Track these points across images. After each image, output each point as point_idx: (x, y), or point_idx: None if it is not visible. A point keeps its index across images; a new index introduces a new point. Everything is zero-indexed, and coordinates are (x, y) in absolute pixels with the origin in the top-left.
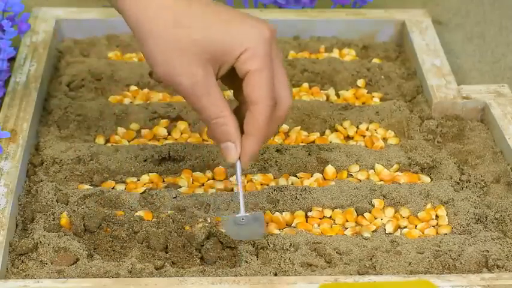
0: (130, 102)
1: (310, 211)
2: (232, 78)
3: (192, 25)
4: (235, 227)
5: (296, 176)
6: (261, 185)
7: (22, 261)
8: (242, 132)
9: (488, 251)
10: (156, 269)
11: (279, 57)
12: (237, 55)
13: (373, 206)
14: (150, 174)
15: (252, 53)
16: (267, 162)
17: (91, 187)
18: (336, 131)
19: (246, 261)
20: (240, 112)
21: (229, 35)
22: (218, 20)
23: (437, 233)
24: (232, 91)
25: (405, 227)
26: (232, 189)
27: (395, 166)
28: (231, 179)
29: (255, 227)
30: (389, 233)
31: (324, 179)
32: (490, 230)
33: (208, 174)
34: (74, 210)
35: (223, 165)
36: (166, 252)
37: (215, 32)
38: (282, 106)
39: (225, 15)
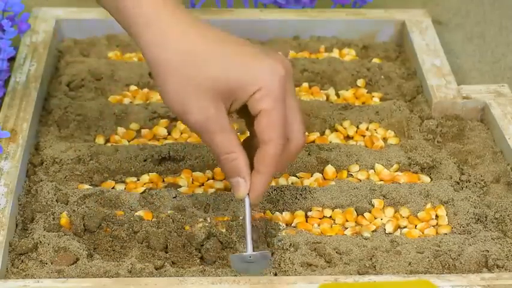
0: (130, 102)
1: (310, 211)
2: (244, 110)
3: (207, 64)
4: (243, 264)
5: (296, 176)
6: None
7: (22, 261)
8: (252, 166)
9: (488, 251)
10: (156, 269)
11: (293, 94)
12: (250, 93)
13: (373, 205)
14: (150, 174)
15: (266, 92)
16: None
17: (91, 187)
18: (336, 130)
19: None
20: (250, 143)
21: (243, 72)
22: (233, 58)
23: (437, 232)
24: (245, 121)
25: (405, 227)
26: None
27: (395, 166)
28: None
29: (263, 264)
30: (389, 233)
31: (324, 178)
32: (490, 229)
33: (208, 174)
34: (74, 210)
35: None
36: (166, 252)
37: (230, 69)
38: (293, 144)
39: (240, 52)
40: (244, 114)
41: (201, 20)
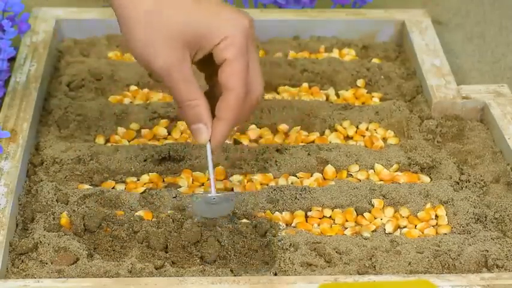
0: (130, 102)
1: (310, 211)
2: (205, 63)
3: (173, 10)
4: (206, 206)
5: (296, 176)
6: (261, 184)
7: (22, 261)
8: (213, 115)
9: (487, 251)
10: (156, 269)
11: (255, 47)
12: (215, 42)
13: (372, 205)
14: (150, 174)
15: (231, 41)
16: (267, 162)
17: (91, 187)
18: (336, 131)
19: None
20: (209, 96)
21: (209, 22)
22: (200, 7)
23: (436, 232)
24: (204, 74)
25: (405, 227)
26: (232, 189)
27: (395, 166)
28: (231, 178)
29: (226, 207)
30: (389, 233)
31: (324, 178)
32: (490, 229)
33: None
34: (74, 210)
35: (223, 165)
36: (166, 252)
37: (196, 18)
38: (253, 95)
39: (207, 3)
40: (204, 66)
41: None
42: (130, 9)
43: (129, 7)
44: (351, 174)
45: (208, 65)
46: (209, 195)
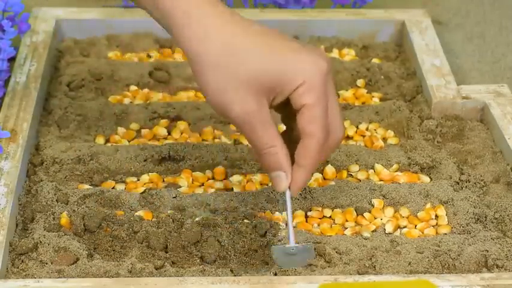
0: (130, 102)
1: (310, 211)
2: (282, 104)
3: (249, 54)
4: (284, 256)
5: None
6: (261, 184)
7: (22, 261)
8: (291, 160)
9: (487, 251)
10: (156, 269)
11: (333, 88)
12: (293, 88)
13: (372, 205)
14: (150, 174)
15: (309, 86)
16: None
17: (91, 187)
18: None
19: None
20: (286, 137)
21: (286, 67)
22: (275, 50)
23: (436, 232)
24: (280, 115)
25: (405, 227)
26: (232, 189)
27: (395, 166)
28: (230, 178)
29: (304, 257)
30: (389, 233)
31: (324, 178)
32: (490, 229)
33: (208, 174)
34: (74, 210)
35: (223, 165)
36: (166, 252)
37: (272, 63)
38: (333, 138)
39: (282, 45)
40: (282, 108)
41: (239, 14)
42: (200, 51)
43: (197, 47)
44: (351, 174)
45: (285, 107)
46: (287, 246)
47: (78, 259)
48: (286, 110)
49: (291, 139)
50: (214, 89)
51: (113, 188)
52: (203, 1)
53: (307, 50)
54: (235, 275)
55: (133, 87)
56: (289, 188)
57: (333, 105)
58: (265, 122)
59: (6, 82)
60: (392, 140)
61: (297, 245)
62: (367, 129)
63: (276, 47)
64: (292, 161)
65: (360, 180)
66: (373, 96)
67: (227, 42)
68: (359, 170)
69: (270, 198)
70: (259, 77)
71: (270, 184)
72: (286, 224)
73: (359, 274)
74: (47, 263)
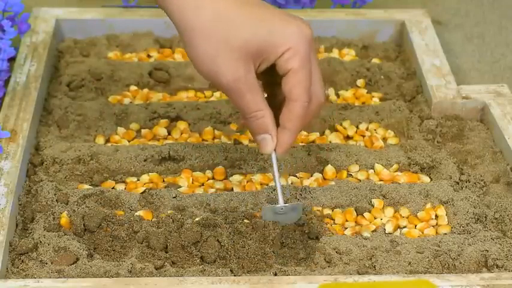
0: (130, 102)
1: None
2: (264, 72)
3: (238, 24)
4: (274, 216)
5: (296, 176)
6: (261, 184)
7: (22, 261)
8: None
9: (487, 251)
10: (156, 269)
11: (315, 55)
12: (279, 53)
13: (372, 205)
14: (150, 174)
15: (295, 52)
16: (267, 162)
17: (91, 187)
18: (336, 130)
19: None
20: (270, 104)
21: (273, 33)
22: (263, 19)
23: (436, 232)
24: (261, 82)
25: (405, 227)
26: (232, 189)
27: (395, 166)
28: (230, 178)
29: (293, 216)
30: (389, 233)
31: (324, 178)
32: (490, 229)
33: (208, 174)
34: (74, 210)
35: (223, 165)
36: (166, 252)
37: (260, 30)
38: (315, 102)
39: (269, 14)
40: (263, 76)
41: None
42: (191, 18)
43: (190, 16)
44: (351, 174)
45: (267, 75)
46: (277, 206)
47: (78, 259)
48: (268, 77)
49: (272, 105)
50: (205, 56)
51: (113, 188)
52: None
53: (292, 18)
54: (235, 275)
55: (133, 87)
56: (274, 150)
57: (315, 71)
58: (252, 87)
59: (6, 82)
60: (392, 140)
61: (286, 204)
62: (367, 129)
63: (263, 15)
64: (276, 125)
65: (360, 180)
66: (373, 96)
67: (218, 12)
68: (359, 170)
69: (270, 198)
70: (248, 44)
71: (270, 184)
72: (274, 185)
73: (359, 274)
74: (47, 263)
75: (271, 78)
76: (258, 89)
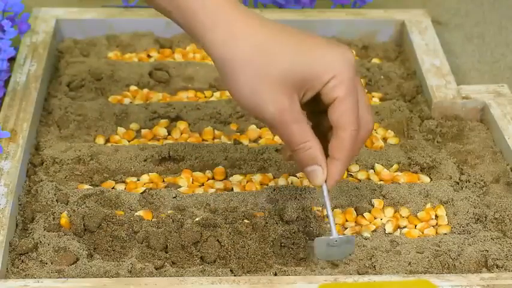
0: (130, 102)
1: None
2: (308, 102)
3: (278, 54)
4: (327, 248)
5: (296, 176)
6: (261, 184)
7: (22, 261)
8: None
9: (487, 251)
10: (156, 269)
11: (360, 81)
12: (324, 82)
13: (372, 205)
14: (150, 174)
15: (340, 79)
16: (267, 162)
17: (91, 187)
18: None
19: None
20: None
21: (316, 61)
22: (304, 48)
23: (436, 232)
24: (307, 112)
25: (405, 227)
26: (232, 189)
27: (395, 166)
28: (230, 178)
29: (346, 249)
30: (389, 233)
31: None
32: (490, 229)
33: (208, 174)
34: (74, 210)
35: (223, 165)
36: (166, 252)
37: (302, 58)
38: (364, 129)
39: (309, 42)
40: (309, 105)
41: (261, 15)
42: (230, 51)
43: (229, 48)
44: (351, 174)
45: (311, 104)
46: (331, 237)
47: (78, 259)
48: (312, 107)
49: (318, 135)
50: (246, 90)
51: (113, 188)
52: (228, 3)
53: (334, 44)
54: (235, 275)
55: (133, 87)
56: (325, 182)
57: (361, 97)
58: (298, 118)
59: (6, 82)
60: (392, 140)
61: (341, 236)
62: None
63: (303, 44)
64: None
65: (360, 180)
66: (373, 96)
67: (257, 43)
68: (359, 170)
69: (270, 198)
70: (291, 74)
71: (270, 184)
72: (327, 217)
73: (359, 274)
74: (47, 263)
75: (315, 108)
76: (304, 119)
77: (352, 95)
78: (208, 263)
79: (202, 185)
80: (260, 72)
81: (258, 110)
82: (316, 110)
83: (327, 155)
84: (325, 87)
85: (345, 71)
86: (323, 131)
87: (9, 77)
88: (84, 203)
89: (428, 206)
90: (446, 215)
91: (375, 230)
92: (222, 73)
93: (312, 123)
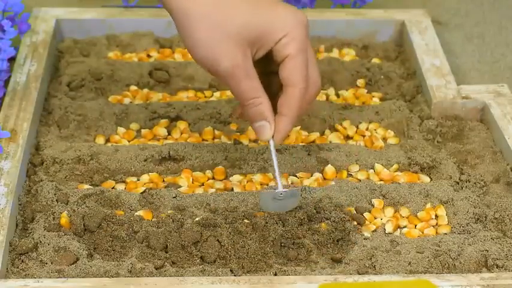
0: (130, 102)
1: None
2: (260, 61)
3: (235, 10)
4: (272, 202)
5: (296, 176)
6: (261, 184)
7: (22, 261)
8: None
9: (487, 251)
10: (156, 269)
11: (309, 42)
12: (277, 39)
13: (372, 205)
14: (150, 174)
15: (292, 37)
16: (267, 162)
17: (91, 187)
18: (336, 130)
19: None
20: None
21: (270, 19)
22: (260, 6)
23: (436, 232)
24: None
25: (405, 227)
26: (232, 189)
27: (395, 166)
28: (231, 178)
29: (291, 202)
30: (389, 233)
31: (324, 178)
32: (490, 229)
33: (208, 174)
34: (74, 210)
35: (223, 165)
36: (166, 252)
37: (257, 16)
38: (312, 88)
39: (266, 2)
40: (260, 63)
41: None
42: (189, 7)
43: (188, 4)
44: (351, 174)
45: (262, 63)
46: (276, 191)
47: (78, 259)
48: (263, 66)
49: (268, 95)
50: (201, 43)
51: (113, 188)
52: None
53: (289, 6)
54: (235, 275)
55: (133, 87)
56: (272, 137)
57: (311, 58)
58: (250, 74)
59: (6, 82)
60: (392, 140)
61: (285, 190)
62: (367, 129)
63: (260, 2)
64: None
65: (360, 180)
66: (373, 96)
67: (214, 0)
68: (359, 170)
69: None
70: (246, 30)
71: (270, 184)
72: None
73: (359, 274)
74: (47, 263)
75: (267, 68)
76: (256, 76)
77: (303, 54)
78: (208, 263)
79: (202, 185)
80: (216, 26)
81: (212, 64)
82: (268, 70)
83: (276, 113)
84: (277, 44)
85: (298, 31)
86: (274, 91)
87: (9, 77)
88: (84, 203)
89: (428, 206)
90: (446, 215)
91: (375, 230)
92: (179, 25)
93: (264, 83)
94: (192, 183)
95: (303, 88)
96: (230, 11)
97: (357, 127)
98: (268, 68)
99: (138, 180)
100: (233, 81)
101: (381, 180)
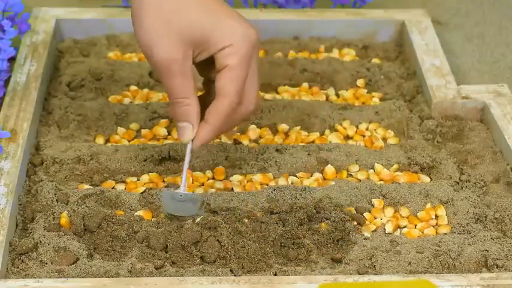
0: (130, 102)
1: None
2: (206, 67)
3: (188, 8)
4: (172, 202)
5: (296, 176)
6: (261, 184)
7: (22, 261)
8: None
9: (487, 251)
10: (156, 269)
11: (256, 62)
12: (220, 47)
13: (372, 205)
14: (150, 174)
15: (235, 49)
16: (267, 162)
17: (91, 187)
18: (336, 130)
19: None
20: (203, 101)
21: (219, 26)
22: (212, 11)
23: (436, 232)
24: (203, 79)
25: (405, 227)
26: (232, 189)
27: (395, 166)
28: (231, 178)
29: (190, 208)
30: (389, 233)
31: (324, 178)
32: (490, 229)
33: (208, 174)
34: (74, 210)
35: (223, 165)
36: (166, 252)
37: (206, 19)
38: (244, 108)
39: (222, 10)
40: (205, 71)
41: None
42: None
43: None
44: (351, 174)
45: (209, 71)
46: (176, 191)
47: (78, 259)
48: (209, 74)
49: (206, 103)
50: (146, 29)
51: (113, 188)
52: None
53: (243, 20)
54: (235, 275)
55: (133, 87)
56: (192, 141)
57: (252, 77)
58: (185, 73)
59: (6, 82)
60: (392, 140)
61: (186, 192)
62: (367, 129)
63: (214, 8)
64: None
65: (360, 180)
66: (373, 96)
67: None
68: (359, 170)
69: (271, 198)
70: (192, 30)
71: (270, 184)
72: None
73: (359, 274)
74: (47, 263)
75: (208, 75)
76: (191, 77)
77: (243, 69)
78: (208, 263)
79: (202, 185)
80: (164, 17)
81: (150, 51)
82: (209, 78)
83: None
84: (220, 52)
85: (243, 45)
86: (211, 100)
87: (9, 77)
88: (84, 203)
89: (428, 206)
90: (446, 214)
91: (375, 230)
92: (133, 8)
93: (204, 90)
94: (192, 183)
95: (233, 102)
96: (182, 8)
97: (357, 127)
98: (209, 75)
99: (138, 180)
100: (166, 75)
101: (380, 180)
